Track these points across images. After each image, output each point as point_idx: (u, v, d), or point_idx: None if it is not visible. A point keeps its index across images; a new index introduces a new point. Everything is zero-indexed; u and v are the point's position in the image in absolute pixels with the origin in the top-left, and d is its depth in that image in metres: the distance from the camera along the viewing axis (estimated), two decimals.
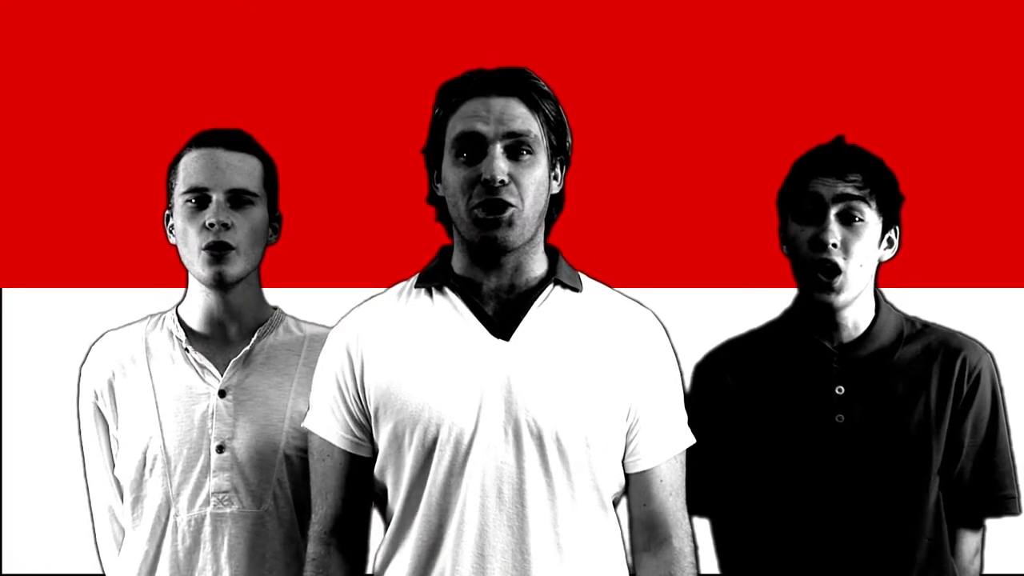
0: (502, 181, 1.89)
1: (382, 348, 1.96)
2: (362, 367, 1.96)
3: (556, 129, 1.98)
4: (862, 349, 2.18)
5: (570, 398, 1.91)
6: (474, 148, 1.92)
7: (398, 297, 2.03)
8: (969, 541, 2.23)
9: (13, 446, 3.01)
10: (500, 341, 1.93)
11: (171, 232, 2.24)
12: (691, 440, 2.03)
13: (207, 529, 2.14)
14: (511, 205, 1.90)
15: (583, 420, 1.91)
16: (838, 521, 2.13)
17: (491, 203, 1.90)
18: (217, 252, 2.15)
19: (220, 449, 2.15)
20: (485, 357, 1.92)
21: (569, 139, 2.02)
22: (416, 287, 2.02)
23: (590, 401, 1.93)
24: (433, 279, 2.00)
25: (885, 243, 2.20)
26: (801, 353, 2.20)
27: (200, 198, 2.17)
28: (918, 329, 2.23)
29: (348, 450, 1.98)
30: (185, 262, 2.22)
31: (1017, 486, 2.23)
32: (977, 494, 2.20)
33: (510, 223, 1.91)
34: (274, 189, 2.27)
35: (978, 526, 2.24)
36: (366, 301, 2.06)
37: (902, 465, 2.14)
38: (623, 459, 1.99)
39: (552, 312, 1.97)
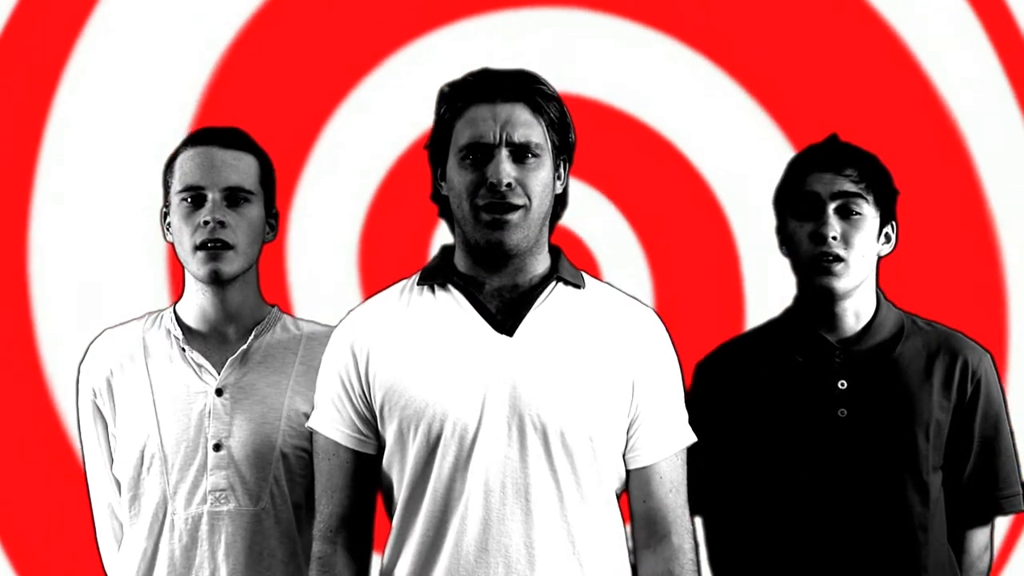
0: (508, 184, 1.91)
1: (386, 345, 1.97)
2: (367, 364, 1.97)
3: (560, 130, 1.99)
4: (863, 343, 2.19)
5: (574, 394, 1.92)
6: (480, 153, 1.94)
7: (400, 295, 2.03)
8: (978, 538, 2.24)
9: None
10: (503, 337, 1.94)
11: (168, 230, 2.24)
12: (692, 438, 2.03)
13: (204, 527, 2.14)
14: (518, 206, 1.92)
15: (587, 416, 1.92)
16: (840, 515, 2.13)
17: (497, 206, 1.91)
18: (214, 250, 2.15)
19: (217, 447, 2.15)
20: (489, 353, 1.93)
21: (572, 137, 2.03)
22: (418, 284, 2.02)
23: (593, 397, 1.93)
24: (435, 276, 2.01)
25: (883, 238, 2.21)
26: (803, 348, 2.20)
27: (196, 197, 2.17)
28: (919, 327, 2.24)
29: (354, 448, 1.98)
30: (182, 260, 2.21)
31: (1021, 483, 2.24)
32: (984, 493, 2.21)
33: (517, 225, 1.92)
34: (271, 186, 2.27)
35: (986, 522, 2.25)
36: (368, 299, 2.07)
37: (904, 460, 2.14)
38: (624, 454, 1.99)
39: (555, 308, 1.97)
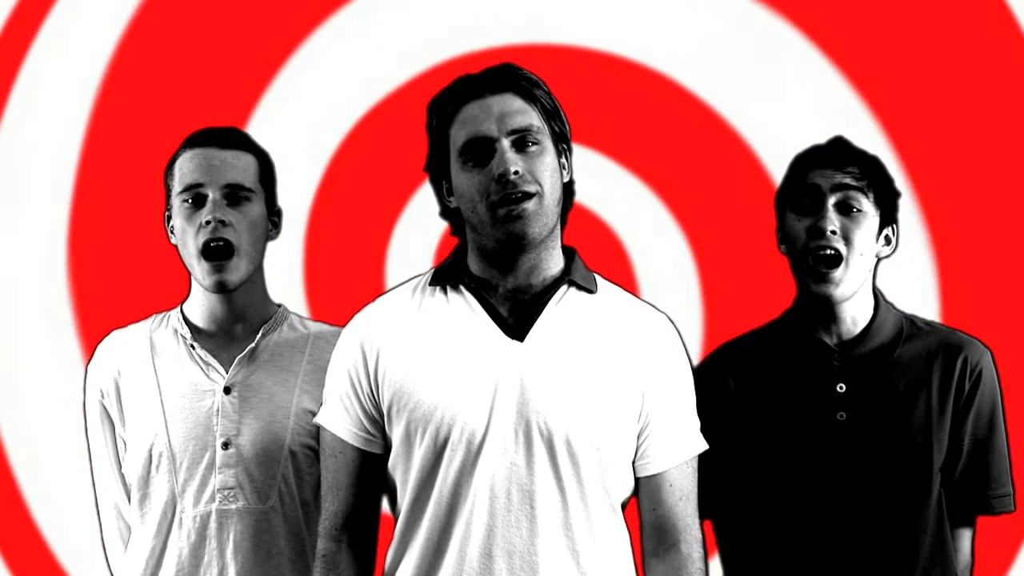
0: (516, 172, 1.90)
1: (397, 345, 1.96)
2: (376, 363, 1.97)
3: (554, 116, 1.99)
4: (862, 346, 2.19)
5: (582, 401, 1.92)
6: (482, 150, 1.93)
7: (412, 294, 2.02)
8: (965, 537, 2.25)
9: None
10: (514, 342, 1.94)
11: (172, 233, 2.25)
12: (703, 447, 2.03)
13: (212, 525, 2.15)
14: (531, 194, 1.91)
15: (594, 424, 1.92)
16: (840, 519, 2.14)
17: (511, 197, 1.90)
18: (218, 261, 2.16)
19: (225, 446, 2.16)
20: (499, 358, 1.93)
21: (567, 126, 2.03)
22: (431, 284, 2.02)
23: (602, 405, 1.93)
24: (448, 277, 2.00)
25: (883, 240, 2.21)
26: (802, 351, 2.21)
27: (196, 196, 2.18)
28: (918, 328, 2.24)
29: (360, 447, 1.99)
30: (187, 265, 2.22)
31: (1012, 483, 2.24)
32: (973, 491, 2.21)
33: (534, 213, 1.91)
34: (271, 184, 2.28)
35: (972, 523, 2.25)
36: (379, 298, 2.07)
37: (904, 463, 2.15)
38: (633, 462, 1.99)
39: (566, 314, 1.97)
